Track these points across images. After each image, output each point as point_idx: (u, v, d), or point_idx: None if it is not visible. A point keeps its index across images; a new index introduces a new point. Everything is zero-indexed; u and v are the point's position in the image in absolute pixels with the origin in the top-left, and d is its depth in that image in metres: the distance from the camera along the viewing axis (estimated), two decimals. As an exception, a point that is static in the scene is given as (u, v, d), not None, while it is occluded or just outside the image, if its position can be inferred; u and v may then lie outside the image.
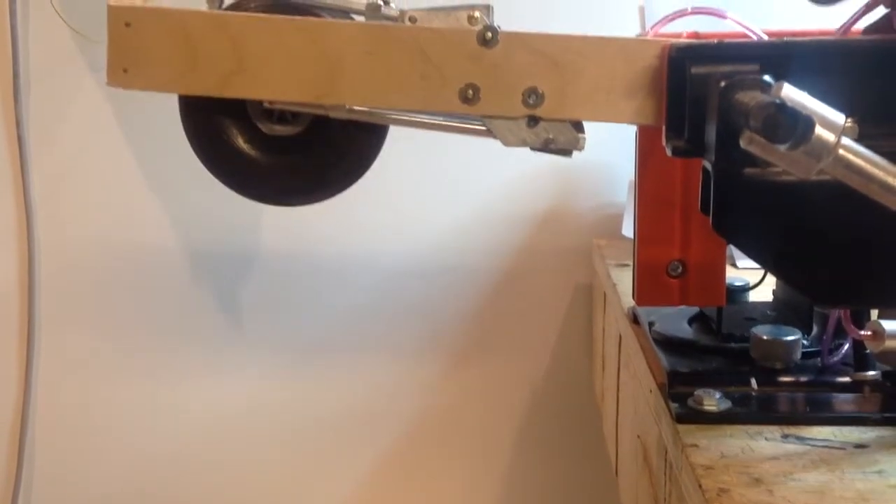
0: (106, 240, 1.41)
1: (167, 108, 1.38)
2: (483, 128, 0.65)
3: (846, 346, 0.71)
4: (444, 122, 0.70)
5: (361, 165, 0.74)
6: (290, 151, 0.72)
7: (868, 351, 0.67)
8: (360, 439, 1.45)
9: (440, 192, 1.36)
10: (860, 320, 0.67)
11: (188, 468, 1.46)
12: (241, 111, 0.72)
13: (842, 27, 0.61)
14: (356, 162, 0.73)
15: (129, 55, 0.65)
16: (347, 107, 0.68)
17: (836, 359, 0.71)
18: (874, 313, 0.67)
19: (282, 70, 0.65)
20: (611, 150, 1.26)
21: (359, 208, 1.39)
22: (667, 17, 0.70)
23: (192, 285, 1.41)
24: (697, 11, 0.72)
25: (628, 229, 1.22)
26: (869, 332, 0.63)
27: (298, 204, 0.78)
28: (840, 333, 0.70)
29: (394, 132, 1.36)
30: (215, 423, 1.45)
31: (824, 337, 0.71)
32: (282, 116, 0.72)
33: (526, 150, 0.69)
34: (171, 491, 1.47)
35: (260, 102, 0.71)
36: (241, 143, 0.72)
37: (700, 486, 0.57)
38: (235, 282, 1.42)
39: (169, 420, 1.45)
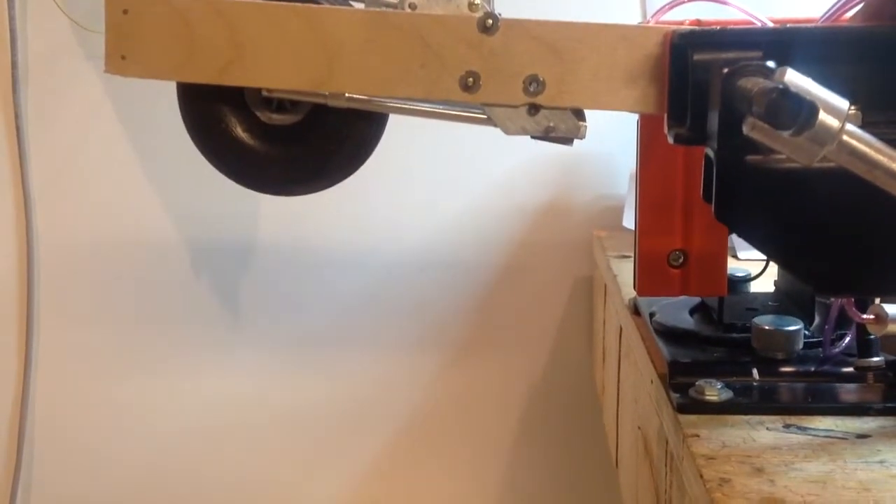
0: (105, 232, 1.41)
1: (166, 98, 1.38)
2: (483, 116, 0.65)
3: (848, 338, 0.70)
4: (443, 111, 0.70)
5: (361, 154, 0.73)
6: (289, 140, 0.72)
7: (872, 336, 0.67)
8: (361, 432, 1.45)
9: (439, 184, 1.36)
10: (864, 306, 0.66)
11: (187, 462, 1.46)
12: (239, 100, 0.71)
13: (828, 12, 0.60)
14: (356, 150, 0.72)
15: (127, 42, 0.65)
16: (346, 95, 0.67)
17: (838, 349, 0.71)
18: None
19: (280, 58, 0.64)
20: (611, 142, 1.26)
21: (357, 201, 1.38)
22: (668, 4, 0.70)
23: (191, 278, 1.41)
24: (699, -3, 0.71)
25: (629, 221, 1.21)
26: (871, 316, 0.63)
27: (298, 194, 0.77)
28: (842, 324, 0.70)
29: (392, 124, 1.36)
30: (214, 416, 1.45)
31: (826, 326, 0.71)
32: (280, 105, 0.72)
33: (525, 142, 0.69)
34: (169, 485, 1.47)
35: (258, 91, 0.70)
36: (239, 132, 0.72)
37: (701, 476, 0.57)
38: (233, 275, 1.41)
39: (167, 414, 1.45)
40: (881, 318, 0.62)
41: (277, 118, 0.71)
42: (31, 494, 1.47)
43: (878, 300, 0.66)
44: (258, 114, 0.71)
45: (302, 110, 0.71)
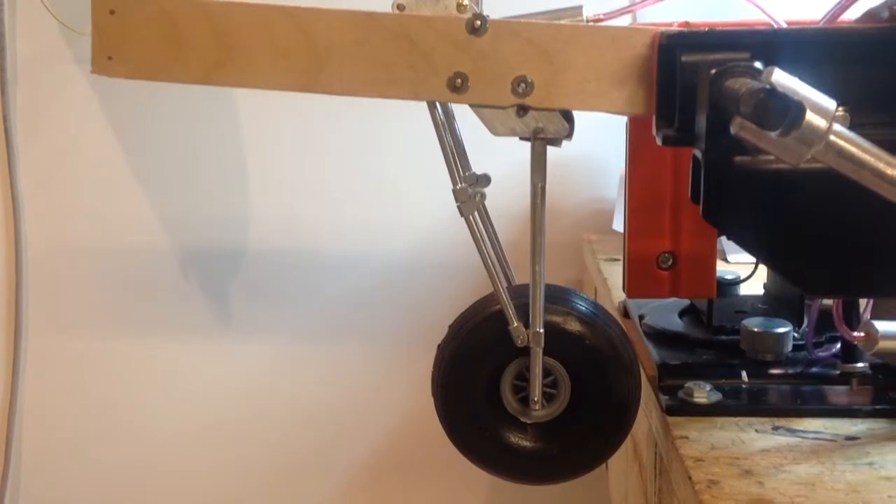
0: (94, 235, 1.40)
1: (155, 102, 1.38)
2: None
3: (839, 343, 0.70)
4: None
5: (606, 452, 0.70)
6: (556, 433, 0.69)
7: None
8: (353, 434, 1.44)
9: (429, 186, 1.36)
10: (851, 318, 0.66)
11: (176, 465, 1.46)
12: (502, 411, 0.69)
13: (827, 15, 0.60)
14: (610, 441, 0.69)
15: (114, 43, 0.64)
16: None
17: (828, 353, 0.71)
18: (868, 311, 0.67)
19: (268, 59, 0.64)
20: (600, 146, 1.26)
21: (350, 204, 1.38)
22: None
23: (182, 280, 1.41)
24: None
25: (619, 224, 1.21)
26: (862, 334, 0.63)
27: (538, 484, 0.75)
28: (830, 327, 0.70)
29: (385, 128, 1.36)
30: (206, 418, 1.45)
31: (808, 329, 0.71)
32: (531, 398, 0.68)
33: (514, 145, 0.69)
34: (160, 488, 1.46)
35: (515, 398, 0.68)
36: (511, 440, 0.69)
37: (690, 478, 0.57)
38: (223, 279, 1.41)
39: (156, 417, 1.45)
40: (871, 336, 0.62)
41: (540, 414, 0.69)
42: (20, 498, 1.46)
43: (868, 316, 0.66)
44: (521, 417, 0.69)
45: (559, 402, 0.68)
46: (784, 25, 0.65)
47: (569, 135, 0.64)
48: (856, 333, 0.64)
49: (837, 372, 0.70)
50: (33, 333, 1.43)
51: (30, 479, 1.46)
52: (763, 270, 0.83)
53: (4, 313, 1.41)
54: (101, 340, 1.43)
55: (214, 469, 1.46)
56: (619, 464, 0.98)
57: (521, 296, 0.68)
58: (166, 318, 1.42)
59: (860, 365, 0.68)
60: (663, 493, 0.70)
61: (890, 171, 0.46)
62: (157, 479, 1.46)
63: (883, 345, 0.62)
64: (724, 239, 0.77)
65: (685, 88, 0.57)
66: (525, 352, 0.67)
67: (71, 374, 1.44)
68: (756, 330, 0.72)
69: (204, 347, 1.42)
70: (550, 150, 0.65)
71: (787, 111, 0.44)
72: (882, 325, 0.63)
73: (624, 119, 0.74)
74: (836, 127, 0.45)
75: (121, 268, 1.41)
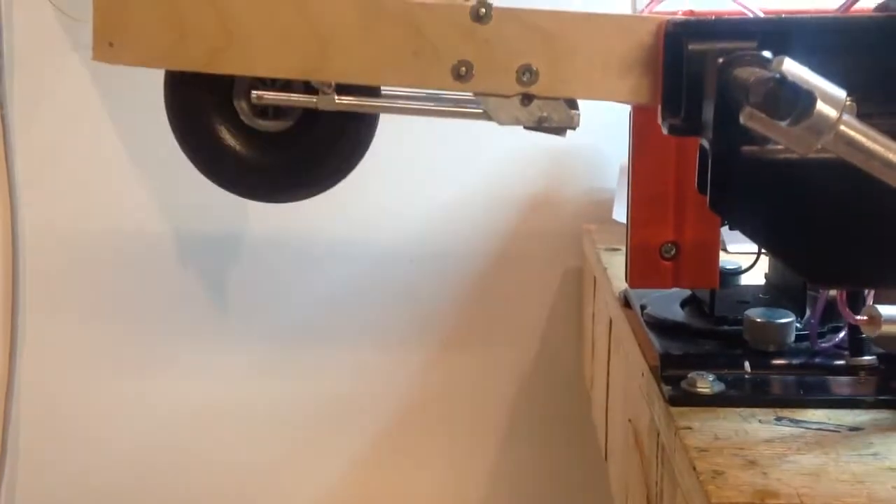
0: (91, 224, 1.40)
1: (153, 90, 1.37)
2: (477, 111, 0.64)
3: (842, 333, 0.70)
4: (435, 108, 0.68)
5: (352, 159, 0.70)
6: (280, 148, 0.69)
7: (864, 335, 0.66)
8: (350, 424, 1.44)
9: (428, 176, 1.35)
10: (856, 304, 0.66)
11: (174, 455, 1.45)
12: (230, 109, 0.68)
13: (843, 5, 0.60)
14: (346, 156, 0.70)
15: (115, 29, 0.64)
16: (337, 100, 0.66)
17: (830, 344, 0.71)
18: (870, 297, 0.67)
19: (271, 45, 0.63)
20: (600, 136, 1.25)
21: (347, 193, 1.37)
22: (659, -6, 0.69)
23: (178, 270, 1.40)
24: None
25: (620, 214, 1.21)
26: (865, 318, 0.63)
27: (288, 200, 0.74)
28: (836, 317, 0.69)
29: (380, 117, 1.35)
30: (202, 409, 1.44)
31: (812, 321, 0.71)
32: (274, 112, 0.68)
33: (515, 136, 0.68)
34: (156, 477, 1.46)
35: (248, 98, 0.68)
36: (230, 140, 0.69)
37: (694, 468, 0.56)
38: (222, 268, 1.40)
39: (155, 407, 1.44)
40: (875, 320, 0.61)
41: (267, 125, 0.68)
42: (17, 482, 1.46)
43: (871, 301, 0.66)
44: (248, 122, 0.68)
45: (292, 117, 0.68)
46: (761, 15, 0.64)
47: (575, 123, 0.64)
48: (859, 317, 0.64)
49: (841, 362, 0.69)
50: (30, 319, 1.42)
51: (26, 463, 1.46)
52: (764, 260, 0.83)
53: (2, 299, 1.41)
54: (98, 328, 1.42)
55: (211, 452, 1.45)
56: (620, 454, 0.98)
57: None
58: (164, 307, 1.41)
59: (868, 358, 0.68)
60: (666, 484, 0.70)
61: (900, 161, 0.45)
62: (154, 463, 1.46)
63: (886, 328, 0.62)
64: (724, 229, 0.77)
65: (692, 77, 0.57)
66: None
67: (67, 358, 1.43)
68: (759, 320, 0.72)
69: (201, 333, 1.42)
70: (549, 139, 0.65)
71: (797, 100, 0.44)
72: (885, 309, 0.62)
73: (625, 109, 0.73)
74: (846, 117, 0.45)
75: (118, 254, 1.40)
